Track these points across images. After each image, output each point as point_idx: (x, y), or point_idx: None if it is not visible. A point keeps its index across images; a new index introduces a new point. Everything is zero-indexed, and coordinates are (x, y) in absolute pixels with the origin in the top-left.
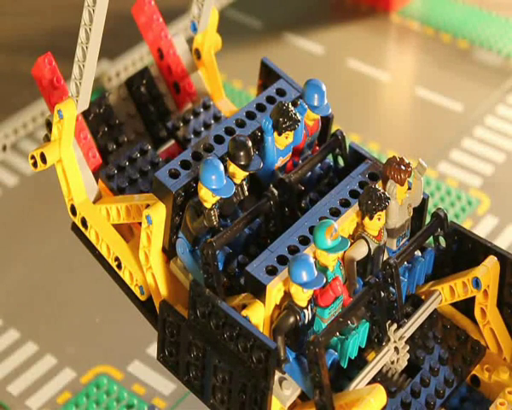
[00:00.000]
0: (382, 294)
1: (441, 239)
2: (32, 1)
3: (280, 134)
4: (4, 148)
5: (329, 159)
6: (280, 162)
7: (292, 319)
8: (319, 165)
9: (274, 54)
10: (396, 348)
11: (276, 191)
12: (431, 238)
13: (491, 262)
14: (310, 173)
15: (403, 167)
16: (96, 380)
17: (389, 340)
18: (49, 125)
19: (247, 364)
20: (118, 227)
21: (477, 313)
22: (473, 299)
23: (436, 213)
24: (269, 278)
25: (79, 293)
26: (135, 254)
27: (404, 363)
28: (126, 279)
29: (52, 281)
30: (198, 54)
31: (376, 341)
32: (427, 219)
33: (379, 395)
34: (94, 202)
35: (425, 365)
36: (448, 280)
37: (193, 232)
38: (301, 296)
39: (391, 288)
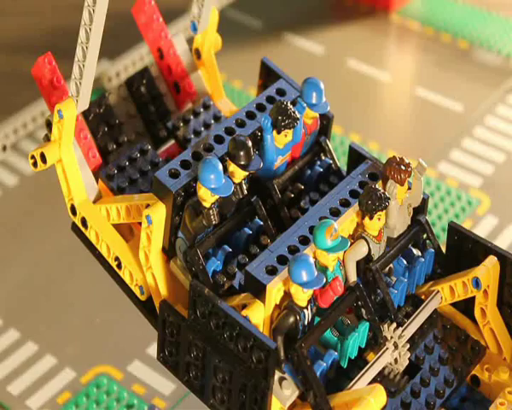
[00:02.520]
0: (369, 296)
1: (429, 243)
2: (32, 1)
3: (279, 132)
4: (4, 148)
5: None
6: (279, 161)
7: (292, 319)
8: (319, 163)
9: (274, 54)
10: (395, 344)
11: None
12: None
13: (491, 262)
14: (309, 173)
15: (403, 167)
16: (96, 380)
17: (387, 339)
18: (49, 125)
19: (247, 364)
20: (118, 227)
21: (477, 313)
22: (473, 299)
23: (417, 220)
24: (269, 278)
25: (79, 293)
26: (135, 254)
27: (404, 363)
28: (126, 279)
29: (52, 281)
30: (198, 54)
31: (373, 342)
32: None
33: (379, 395)
34: (94, 202)
35: (425, 365)
36: (448, 280)
37: (192, 232)
38: (301, 296)
39: (378, 290)
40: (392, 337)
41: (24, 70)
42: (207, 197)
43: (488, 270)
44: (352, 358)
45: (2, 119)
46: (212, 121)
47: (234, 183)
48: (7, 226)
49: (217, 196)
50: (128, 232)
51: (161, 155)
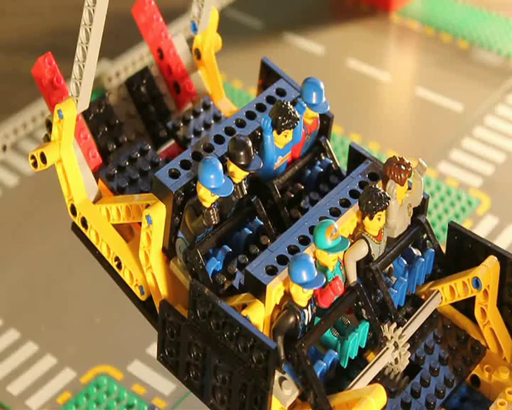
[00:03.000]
0: (370, 296)
1: (429, 243)
2: (32, 1)
3: (279, 133)
4: (4, 148)
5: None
6: (279, 161)
7: (292, 319)
8: (319, 163)
9: (274, 54)
10: (395, 344)
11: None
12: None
13: (492, 262)
14: (309, 173)
15: (403, 167)
16: (96, 380)
17: (387, 339)
18: (49, 125)
19: (247, 364)
20: (118, 227)
21: (477, 313)
22: (473, 299)
23: (417, 220)
24: (269, 278)
25: (79, 293)
26: (135, 254)
27: (404, 363)
28: (126, 279)
29: (52, 281)
30: (198, 54)
31: (373, 342)
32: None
33: (379, 395)
34: (94, 202)
35: (425, 365)
36: (448, 280)
37: (192, 232)
38: (301, 296)
39: (378, 290)
40: (392, 337)
41: (24, 70)
42: (207, 197)
43: (488, 270)
44: (352, 358)
45: (2, 119)
46: (212, 121)
47: (234, 183)
48: (7, 226)
49: (217, 196)
50: (128, 232)
51: (161, 155)
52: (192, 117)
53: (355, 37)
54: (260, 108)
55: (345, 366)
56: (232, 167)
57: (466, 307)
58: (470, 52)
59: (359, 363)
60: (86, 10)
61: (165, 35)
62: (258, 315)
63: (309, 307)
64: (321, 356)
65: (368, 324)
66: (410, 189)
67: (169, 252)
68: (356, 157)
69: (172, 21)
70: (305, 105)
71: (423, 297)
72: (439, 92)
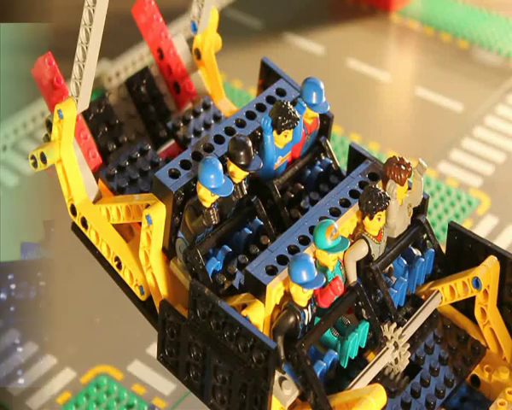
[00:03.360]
0: (370, 296)
1: (429, 243)
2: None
3: (279, 133)
4: (4, 148)
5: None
6: (279, 161)
7: (292, 319)
8: (319, 163)
9: (274, 54)
10: (395, 344)
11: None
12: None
13: (492, 262)
14: (309, 173)
15: (403, 167)
16: (96, 380)
17: (387, 339)
18: (49, 125)
19: (247, 364)
20: (118, 227)
21: (477, 313)
22: (473, 299)
23: (417, 220)
24: (269, 278)
25: (79, 293)
26: (135, 254)
27: (404, 363)
28: (126, 279)
29: (52, 281)
30: (198, 54)
31: (373, 342)
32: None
33: (379, 395)
34: (94, 202)
35: (425, 365)
36: (448, 280)
37: (192, 232)
38: (301, 296)
39: (378, 290)
40: (392, 337)
41: (24, 70)
42: (207, 197)
43: (488, 270)
44: (352, 358)
45: (2, 119)
46: (212, 121)
47: (234, 183)
48: (6, 226)
49: (217, 196)
50: (128, 232)
51: (161, 155)
52: (192, 117)
53: (355, 37)
54: (260, 108)
55: (345, 366)
56: (232, 167)
57: (466, 307)
58: (470, 52)
59: (359, 363)
60: (86, 10)
61: (165, 35)
62: (258, 315)
63: (309, 307)
64: (321, 356)
65: (368, 324)
66: (410, 189)
67: (169, 252)
68: (356, 157)
69: (172, 21)
70: (305, 105)
71: (423, 297)
72: (439, 92)
